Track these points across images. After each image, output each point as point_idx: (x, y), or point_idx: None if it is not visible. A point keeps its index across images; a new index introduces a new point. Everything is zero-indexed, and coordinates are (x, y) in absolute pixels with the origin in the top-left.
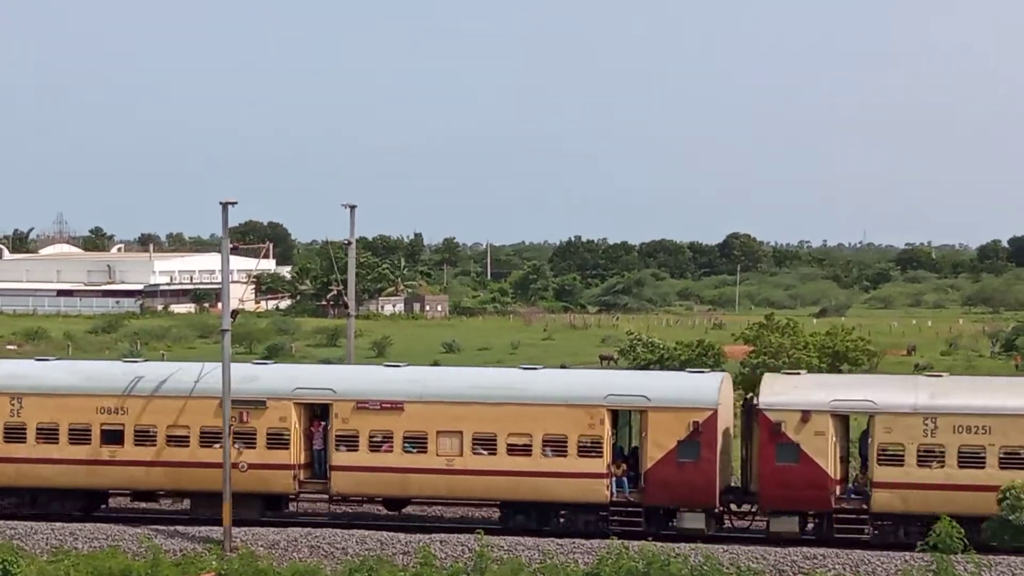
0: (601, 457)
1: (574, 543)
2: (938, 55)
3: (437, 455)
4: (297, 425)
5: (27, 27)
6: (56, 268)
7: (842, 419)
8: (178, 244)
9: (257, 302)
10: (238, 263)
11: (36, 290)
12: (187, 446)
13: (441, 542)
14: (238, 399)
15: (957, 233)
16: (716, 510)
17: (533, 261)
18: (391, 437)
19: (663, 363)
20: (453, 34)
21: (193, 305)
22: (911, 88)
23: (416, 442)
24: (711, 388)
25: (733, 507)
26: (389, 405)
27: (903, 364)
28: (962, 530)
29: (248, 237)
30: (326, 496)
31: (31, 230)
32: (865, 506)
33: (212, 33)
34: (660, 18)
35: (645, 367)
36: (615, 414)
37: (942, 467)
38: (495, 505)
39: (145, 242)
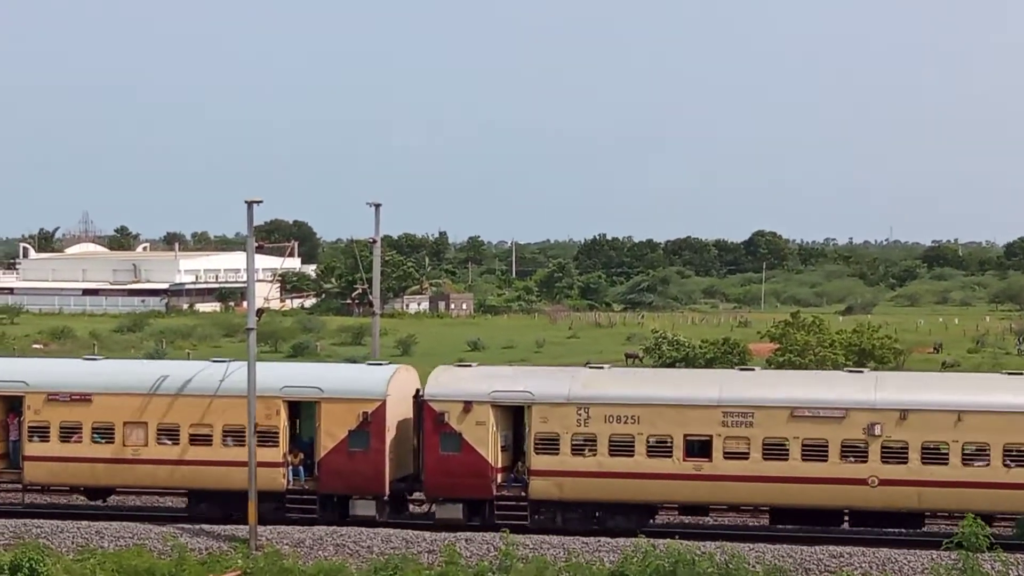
0: (278, 446)
1: (599, 541)
2: (966, 53)
3: (124, 445)
4: None
5: (50, 27)
6: (82, 267)
7: (506, 410)
8: (203, 243)
9: (282, 301)
10: (263, 262)
11: (62, 289)
12: None
13: (466, 540)
14: None
15: (984, 230)
16: (386, 498)
17: (558, 259)
18: (80, 428)
19: (688, 361)
20: (478, 32)
21: (218, 304)
22: (939, 85)
23: (104, 433)
24: (381, 380)
25: (409, 495)
26: (78, 397)
27: (929, 362)
28: (986, 527)
29: (273, 236)
30: (20, 486)
31: (57, 229)
32: (524, 493)
33: (237, 35)
34: (684, 16)
35: (671, 365)
36: (292, 405)
37: (595, 455)
38: (183, 494)
39: (170, 241)
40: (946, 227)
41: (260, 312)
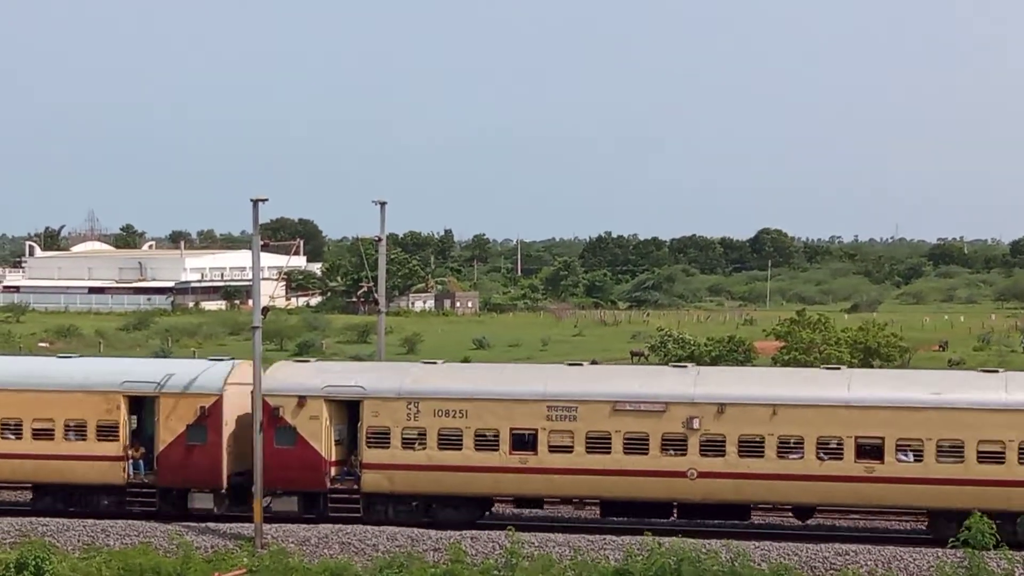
0: (118, 441)
1: (604, 539)
2: (971, 51)
3: None
4: None
5: (55, 26)
6: (88, 265)
7: (340, 404)
8: (209, 241)
9: (288, 299)
10: (269, 260)
11: (68, 288)
12: None
13: (472, 539)
14: None
15: (989, 228)
16: (224, 491)
17: (563, 257)
18: None
19: (694, 359)
20: (485, 31)
21: (224, 302)
22: (943, 84)
23: None
24: (219, 375)
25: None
26: None
27: (935, 359)
28: (992, 525)
29: (279, 234)
30: None
31: (63, 228)
32: (356, 486)
33: (243, 34)
34: (690, 17)
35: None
36: (133, 400)
37: (424, 449)
38: (28, 488)
39: (176, 239)
40: (952, 225)
41: (265, 310)
